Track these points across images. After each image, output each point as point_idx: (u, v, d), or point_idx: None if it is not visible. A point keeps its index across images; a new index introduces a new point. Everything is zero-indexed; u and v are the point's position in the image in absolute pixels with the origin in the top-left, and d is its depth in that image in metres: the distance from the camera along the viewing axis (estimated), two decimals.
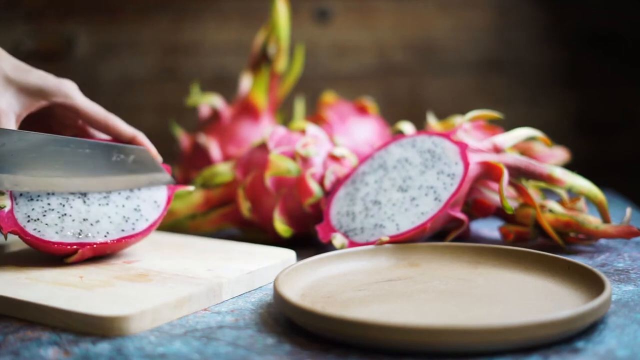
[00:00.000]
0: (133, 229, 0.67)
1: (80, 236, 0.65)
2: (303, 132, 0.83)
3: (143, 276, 0.62)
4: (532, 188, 0.77)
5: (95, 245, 0.65)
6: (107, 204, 0.67)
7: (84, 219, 0.66)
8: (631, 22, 1.35)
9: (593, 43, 1.36)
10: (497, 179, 0.71)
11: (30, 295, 0.57)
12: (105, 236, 0.66)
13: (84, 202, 0.67)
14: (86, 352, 0.50)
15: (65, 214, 0.65)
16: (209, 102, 1.04)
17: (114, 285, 0.60)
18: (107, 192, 0.68)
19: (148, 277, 0.62)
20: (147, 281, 0.61)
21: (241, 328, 0.54)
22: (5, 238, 0.64)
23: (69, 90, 0.68)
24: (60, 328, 0.54)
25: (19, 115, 0.66)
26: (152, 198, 0.70)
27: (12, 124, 0.65)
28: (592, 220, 0.73)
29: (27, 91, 0.66)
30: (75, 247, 0.64)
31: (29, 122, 0.69)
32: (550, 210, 0.74)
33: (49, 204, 0.65)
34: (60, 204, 0.66)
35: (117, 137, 0.70)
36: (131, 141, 0.70)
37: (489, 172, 0.72)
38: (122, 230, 0.66)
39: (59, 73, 1.38)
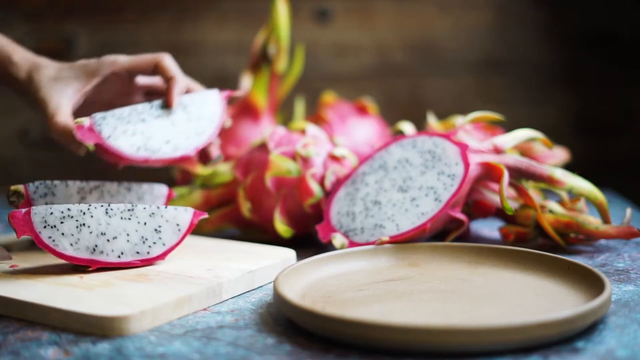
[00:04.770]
0: (148, 252, 0.65)
1: (94, 252, 0.63)
2: (303, 132, 0.83)
3: (143, 276, 0.62)
4: (532, 189, 0.77)
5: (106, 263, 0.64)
6: (129, 218, 0.64)
7: (102, 233, 0.63)
8: (631, 22, 1.35)
9: (593, 43, 1.36)
10: (498, 179, 0.71)
11: (30, 295, 0.57)
12: (119, 257, 0.64)
13: (106, 212, 0.64)
14: (86, 352, 0.50)
15: (83, 224, 0.63)
16: None
17: (114, 285, 0.60)
18: (132, 205, 0.65)
19: (148, 277, 0.62)
20: (147, 281, 0.61)
21: (241, 328, 0.54)
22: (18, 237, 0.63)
23: (111, 58, 0.73)
24: (60, 328, 0.54)
25: (75, 98, 0.71)
26: (176, 220, 0.66)
27: (65, 105, 0.70)
28: (592, 220, 0.73)
29: (75, 76, 0.72)
30: (87, 263, 0.63)
31: (88, 105, 0.74)
32: (551, 211, 0.74)
33: (68, 210, 0.63)
34: (81, 211, 0.63)
35: (145, 70, 0.74)
36: (155, 66, 0.73)
37: (489, 173, 0.72)
38: (137, 253, 0.64)
39: None
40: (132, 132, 0.69)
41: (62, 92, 0.71)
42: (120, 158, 0.68)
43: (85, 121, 0.68)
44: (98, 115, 0.69)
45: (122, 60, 0.74)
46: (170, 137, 0.70)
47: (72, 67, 0.73)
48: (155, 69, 0.73)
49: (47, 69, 0.73)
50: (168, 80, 0.73)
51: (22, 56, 0.75)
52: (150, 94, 0.79)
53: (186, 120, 0.72)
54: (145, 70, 0.74)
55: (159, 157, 0.69)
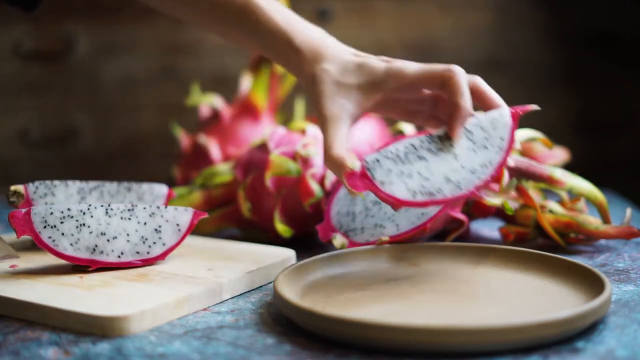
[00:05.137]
0: (148, 252, 0.65)
1: (94, 252, 0.63)
2: (303, 132, 0.83)
3: (143, 276, 0.62)
4: (532, 189, 0.77)
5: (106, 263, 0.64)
6: (129, 218, 0.64)
7: (102, 233, 0.63)
8: (631, 22, 1.35)
9: (593, 43, 1.36)
10: (498, 179, 0.71)
11: (30, 295, 0.57)
12: (119, 257, 0.64)
13: (106, 212, 0.64)
14: (86, 352, 0.50)
15: (83, 224, 0.63)
16: (209, 102, 1.04)
17: (114, 285, 0.60)
18: (132, 205, 0.65)
19: (148, 277, 0.62)
20: (147, 281, 0.61)
21: (241, 328, 0.54)
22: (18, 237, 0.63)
23: (398, 70, 0.64)
24: (60, 328, 0.54)
25: (355, 115, 0.64)
26: (176, 220, 0.66)
27: (344, 128, 0.63)
28: (592, 220, 0.73)
29: (358, 86, 0.64)
30: (87, 263, 0.63)
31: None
32: (551, 211, 0.74)
33: (68, 210, 0.63)
34: (81, 211, 0.63)
35: (433, 86, 0.63)
36: (443, 83, 0.62)
37: None
38: (137, 253, 0.64)
39: (59, 73, 1.39)
40: (408, 173, 0.61)
41: (342, 109, 0.64)
42: (395, 204, 0.61)
43: (357, 165, 0.61)
44: (371, 158, 0.61)
45: (409, 73, 0.63)
46: (451, 174, 0.61)
47: (358, 69, 0.65)
48: (443, 86, 0.62)
49: (330, 64, 0.65)
50: (453, 105, 0.61)
51: (304, 39, 0.66)
52: (437, 101, 0.67)
53: (470, 150, 0.61)
54: (433, 86, 0.63)
55: (438, 199, 0.60)
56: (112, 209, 0.64)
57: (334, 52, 0.66)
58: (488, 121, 0.62)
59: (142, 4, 0.78)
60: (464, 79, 0.62)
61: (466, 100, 0.61)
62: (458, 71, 0.62)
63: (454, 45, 1.36)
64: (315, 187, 0.77)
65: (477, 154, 0.61)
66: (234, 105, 1.03)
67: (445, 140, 0.61)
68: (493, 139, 0.61)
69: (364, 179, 0.60)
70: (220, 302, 0.61)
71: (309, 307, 0.51)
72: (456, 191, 0.60)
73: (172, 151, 1.15)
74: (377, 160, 0.61)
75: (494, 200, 0.71)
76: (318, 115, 0.65)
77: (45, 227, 0.62)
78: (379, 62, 0.65)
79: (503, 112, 0.62)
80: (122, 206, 0.65)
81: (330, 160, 0.62)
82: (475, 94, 0.63)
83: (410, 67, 0.64)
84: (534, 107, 0.63)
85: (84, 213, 0.63)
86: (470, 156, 0.61)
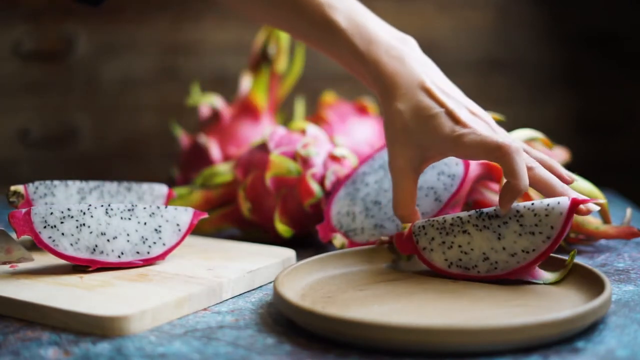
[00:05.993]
0: (148, 252, 0.65)
1: (94, 252, 0.63)
2: (303, 132, 0.83)
3: (143, 276, 0.62)
4: (532, 189, 0.77)
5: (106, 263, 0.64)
6: (130, 218, 0.64)
7: (102, 233, 0.63)
8: (631, 22, 1.35)
9: (593, 43, 1.36)
10: (498, 179, 0.71)
11: (30, 295, 0.57)
12: (119, 257, 0.64)
13: (106, 212, 0.64)
14: (86, 352, 0.50)
15: (84, 224, 0.63)
16: (209, 102, 1.04)
17: (114, 285, 0.60)
18: (132, 205, 0.65)
19: (148, 277, 0.62)
20: (147, 281, 0.61)
21: (241, 328, 0.54)
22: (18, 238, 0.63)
23: (457, 141, 0.61)
24: (60, 328, 0.54)
25: (419, 170, 0.64)
26: (176, 220, 0.66)
27: (410, 182, 0.64)
28: (593, 221, 0.73)
29: (423, 144, 0.63)
30: (87, 263, 0.63)
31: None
32: None
33: (68, 210, 0.63)
34: (81, 211, 0.63)
35: (488, 159, 0.61)
36: (497, 158, 0.59)
37: (489, 173, 0.71)
38: (137, 253, 0.64)
39: (59, 73, 1.39)
40: (449, 244, 0.62)
41: (408, 163, 0.63)
42: (432, 269, 0.63)
43: (406, 228, 0.64)
44: (418, 224, 0.63)
45: (465, 143, 0.60)
46: (490, 253, 0.60)
47: (428, 120, 0.62)
48: (497, 161, 0.59)
49: (403, 103, 0.63)
50: (507, 182, 0.59)
51: (382, 71, 0.65)
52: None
53: (516, 234, 0.59)
54: (491, 160, 0.60)
55: (472, 274, 0.60)
56: (112, 209, 0.64)
57: (407, 87, 0.64)
58: (543, 207, 0.59)
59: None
60: (516, 159, 0.58)
61: (517, 180, 0.58)
62: (511, 150, 0.58)
63: (454, 45, 1.36)
64: (315, 187, 0.77)
65: (522, 238, 0.59)
66: (234, 105, 1.03)
67: (494, 219, 0.61)
68: (543, 226, 0.59)
69: (408, 241, 0.64)
70: (220, 302, 0.61)
71: (309, 307, 0.51)
72: (491, 271, 0.60)
73: (172, 151, 1.15)
74: (423, 227, 0.63)
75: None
76: (388, 161, 0.65)
77: (45, 227, 0.62)
78: (445, 124, 0.62)
79: (562, 200, 0.59)
80: (122, 206, 0.65)
81: (395, 213, 0.65)
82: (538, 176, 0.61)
83: (470, 138, 0.60)
84: (599, 201, 0.63)
85: (84, 213, 0.63)
86: (515, 239, 0.59)
